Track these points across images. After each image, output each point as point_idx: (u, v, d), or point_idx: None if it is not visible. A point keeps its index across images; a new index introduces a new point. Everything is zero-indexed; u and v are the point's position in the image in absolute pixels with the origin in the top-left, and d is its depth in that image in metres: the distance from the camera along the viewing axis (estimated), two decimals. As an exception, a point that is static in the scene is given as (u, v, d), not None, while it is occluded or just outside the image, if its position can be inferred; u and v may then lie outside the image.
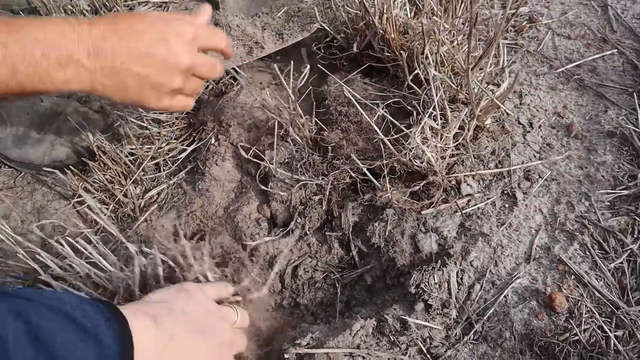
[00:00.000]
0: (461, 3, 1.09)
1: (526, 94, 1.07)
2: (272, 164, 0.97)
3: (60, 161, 1.19)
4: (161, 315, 0.63)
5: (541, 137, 1.01)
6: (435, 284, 0.82)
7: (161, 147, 1.15)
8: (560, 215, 0.91)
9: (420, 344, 0.80)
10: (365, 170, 0.89)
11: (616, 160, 0.97)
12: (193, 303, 0.69)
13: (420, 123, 0.86)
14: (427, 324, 0.80)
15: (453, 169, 0.93)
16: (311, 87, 1.09)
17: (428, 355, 0.80)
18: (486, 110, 0.95)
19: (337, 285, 0.92)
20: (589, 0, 1.26)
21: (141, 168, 1.11)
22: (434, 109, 0.88)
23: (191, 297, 0.70)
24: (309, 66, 1.05)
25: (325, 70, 1.06)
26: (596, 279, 0.84)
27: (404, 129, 0.85)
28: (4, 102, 1.20)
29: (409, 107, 0.95)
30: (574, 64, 1.12)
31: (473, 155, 0.94)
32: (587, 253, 0.87)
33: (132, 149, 1.13)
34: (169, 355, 0.61)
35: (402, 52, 0.96)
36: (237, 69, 1.22)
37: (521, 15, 1.25)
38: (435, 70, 0.91)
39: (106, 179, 1.07)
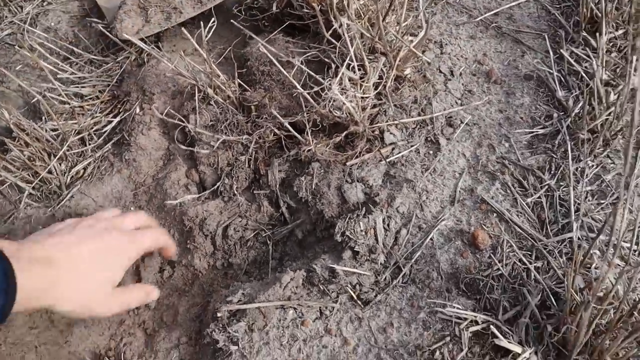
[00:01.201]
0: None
1: (447, 44, 1.09)
2: (196, 126, 0.96)
3: (-22, 143, 1.14)
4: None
5: (462, 84, 1.03)
6: (361, 231, 0.83)
7: (86, 121, 1.12)
8: (482, 157, 0.94)
9: (350, 290, 0.81)
10: (287, 125, 0.89)
11: (533, 102, 1.00)
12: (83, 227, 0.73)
13: (338, 74, 0.86)
14: (355, 270, 0.82)
15: (376, 119, 0.94)
16: (231, 47, 1.08)
17: (358, 301, 0.81)
18: (405, 60, 0.96)
19: (268, 242, 0.92)
20: (505, -50, 1.28)
21: (66, 144, 1.07)
22: (350, 59, 0.88)
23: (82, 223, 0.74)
24: (214, 19, 1.02)
25: (247, 32, 1.05)
26: (517, 216, 0.87)
27: (321, 80, 0.84)
28: None
29: (327, 60, 0.94)
30: (492, 12, 1.14)
31: (394, 104, 0.95)
32: (508, 192, 0.90)
33: (53, 124, 1.09)
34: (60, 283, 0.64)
35: (317, 6, 0.95)
36: (158, 38, 1.19)
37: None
38: (352, 22, 0.91)
39: (27, 157, 1.03)
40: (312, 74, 0.86)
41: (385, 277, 0.83)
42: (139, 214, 0.82)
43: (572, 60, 1.02)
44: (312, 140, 0.88)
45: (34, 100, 1.15)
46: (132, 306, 0.77)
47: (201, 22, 0.97)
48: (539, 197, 0.89)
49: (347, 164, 0.90)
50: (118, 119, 1.13)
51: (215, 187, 0.95)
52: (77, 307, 0.68)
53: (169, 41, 1.22)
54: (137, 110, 1.08)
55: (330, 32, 0.96)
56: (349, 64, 0.88)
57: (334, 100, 0.85)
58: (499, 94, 1.02)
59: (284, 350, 0.78)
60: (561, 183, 0.90)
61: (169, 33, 1.21)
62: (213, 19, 1.02)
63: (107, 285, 0.71)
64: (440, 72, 1.04)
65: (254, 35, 1.05)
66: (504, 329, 0.76)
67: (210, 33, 0.96)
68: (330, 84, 0.83)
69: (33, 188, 1.04)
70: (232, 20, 1.07)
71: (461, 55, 1.07)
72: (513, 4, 1.15)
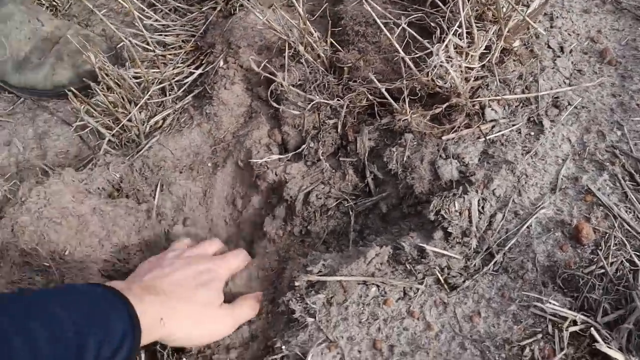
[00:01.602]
0: None
1: (557, 17, 0.99)
2: (285, 83, 0.91)
3: (62, 85, 1.14)
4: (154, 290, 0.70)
5: (572, 62, 0.94)
6: (456, 211, 0.77)
7: (167, 71, 1.09)
8: (590, 144, 0.86)
9: (437, 273, 0.76)
10: (383, 91, 0.83)
11: (653, 88, 0.91)
12: (182, 267, 0.77)
13: (444, 40, 0.80)
14: (445, 252, 0.76)
15: (477, 92, 0.87)
16: (326, 4, 1.02)
17: (445, 285, 0.76)
18: (515, 31, 0.88)
19: (350, 213, 0.88)
20: None
21: (148, 93, 1.05)
22: (459, 25, 0.81)
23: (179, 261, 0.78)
24: None
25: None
26: (626, 211, 0.79)
27: (428, 45, 0.78)
28: (2, 24, 1.14)
29: (432, 25, 0.87)
30: (611, -15, 1.04)
31: (499, 79, 0.87)
32: (617, 184, 0.82)
33: (136, 72, 1.07)
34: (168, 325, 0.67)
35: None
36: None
37: None
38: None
39: (110, 102, 1.02)
40: (418, 36, 0.80)
41: (476, 263, 0.78)
42: (214, 241, 0.88)
43: (702, 45, 0.92)
44: (409, 110, 0.82)
45: (119, 46, 1.13)
46: (243, 319, 0.79)
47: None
48: (653, 194, 0.80)
49: (443, 138, 0.84)
50: (200, 70, 1.10)
51: (300, 150, 0.91)
52: (193, 330, 0.72)
53: (256, -7, 1.17)
54: (221, 63, 1.05)
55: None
56: (457, 31, 0.81)
57: (437, 68, 0.79)
58: (613, 77, 0.93)
59: (363, 328, 0.74)
60: (679, 180, 0.81)
61: (256, -15, 1.17)
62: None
63: (214, 304, 0.76)
64: (549, 47, 0.95)
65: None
66: (604, 332, 0.70)
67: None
68: (437, 50, 0.77)
69: (113, 135, 1.03)
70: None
71: (573, 30, 0.98)
72: (636, -23, 1.04)
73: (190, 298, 0.73)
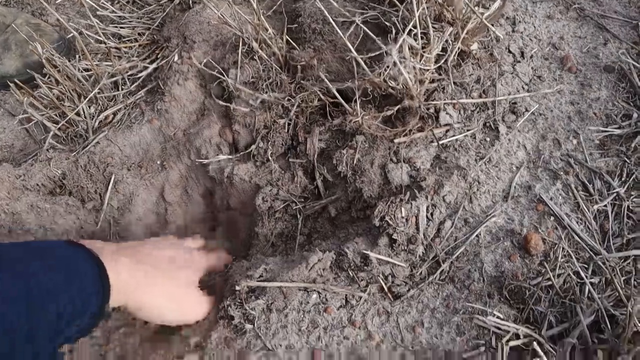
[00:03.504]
0: None
1: (520, 21, 0.98)
2: (235, 81, 0.88)
3: (9, 76, 1.09)
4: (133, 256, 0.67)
5: (532, 68, 0.92)
6: (402, 217, 0.75)
7: (121, 64, 1.05)
8: (545, 152, 0.84)
9: (381, 281, 0.74)
10: (334, 91, 0.81)
11: (611, 97, 0.89)
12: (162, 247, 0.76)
13: (398, 40, 0.77)
14: (390, 259, 0.74)
15: (432, 95, 0.84)
16: (284, 0, 0.99)
17: (389, 294, 0.74)
18: (473, 33, 0.86)
19: (298, 216, 0.85)
20: None
21: (98, 86, 1.01)
22: (414, 25, 0.78)
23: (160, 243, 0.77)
24: None
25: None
26: (577, 222, 0.78)
27: (381, 44, 0.75)
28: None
29: (387, 24, 0.85)
30: (576, -9, 1.02)
31: (455, 82, 0.85)
32: (569, 194, 0.80)
33: (87, 64, 1.03)
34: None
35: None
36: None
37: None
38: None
39: (55, 95, 0.98)
40: (372, 35, 0.77)
41: (422, 272, 0.76)
42: (197, 238, 0.86)
43: (662, 55, 0.90)
44: (360, 111, 0.80)
45: (69, 36, 1.09)
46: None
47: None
48: (605, 206, 0.79)
49: (395, 141, 0.81)
50: (155, 65, 1.06)
51: (249, 150, 0.87)
52: (167, 307, 0.70)
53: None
54: (176, 58, 1.01)
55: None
56: (411, 30, 0.79)
57: (390, 69, 0.76)
58: (572, 84, 0.91)
59: (302, 336, 0.71)
60: (632, 192, 0.80)
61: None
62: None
63: (194, 286, 0.75)
64: (510, 51, 0.93)
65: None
66: (547, 346, 0.67)
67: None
68: (390, 50, 0.74)
69: (59, 129, 0.99)
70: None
71: (535, 35, 0.96)
72: (600, -16, 1.03)
73: (173, 276, 0.72)
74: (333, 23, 0.80)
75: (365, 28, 0.80)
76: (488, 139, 0.85)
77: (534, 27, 0.98)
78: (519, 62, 0.92)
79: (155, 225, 0.99)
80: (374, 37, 0.79)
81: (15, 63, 1.08)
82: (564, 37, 0.97)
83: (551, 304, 0.71)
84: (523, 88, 0.90)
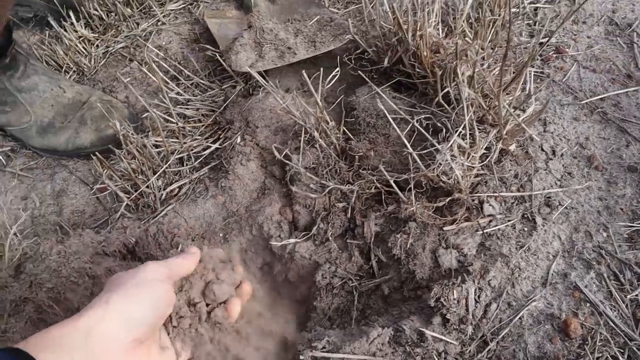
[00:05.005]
0: (490, 27, 1.12)
1: (550, 122, 1.09)
2: (300, 166, 0.99)
3: (84, 148, 1.20)
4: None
5: (563, 165, 1.03)
6: (454, 299, 0.83)
7: (186, 142, 1.17)
8: (578, 243, 0.93)
9: (435, 356, 0.81)
10: (391, 182, 0.91)
11: (635, 195, 0.99)
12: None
13: (449, 140, 0.88)
14: (443, 337, 0.81)
15: (477, 188, 0.95)
16: (342, 96, 1.11)
17: (441, 369, 0.81)
18: (512, 134, 0.97)
19: (354, 292, 0.93)
20: (615, 37, 1.29)
21: (168, 162, 1.11)
22: (464, 127, 0.90)
23: None
24: (338, 68, 1.06)
25: (364, 76, 1.07)
26: (611, 309, 0.86)
27: (436, 144, 0.86)
28: (26, 94, 1.20)
29: (438, 124, 0.96)
30: (598, 97, 1.15)
31: (497, 177, 0.95)
32: (602, 283, 0.89)
33: (157, 141, 1.14)
34: None
35: (435, 69, 0.98)
36: (264, 73, 1.24)
37: (548, 45, 1.27)
38: (471, 91, 0.93)
39: (132, 169, 1.08)
40: (428, 135, 0.88)
41: (471, 350, 0.83)
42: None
43: (679, 159, 1.01)
44: (414, 201, 0.89)
45: (144, 115, 1.20)
46: None
47: (321, 68, 1.01)
48: (636, 295, 0.87)
49: (444, 228, 0.91)
50: (217, 145, 1.17)
51: (311, 232, 0.97)
52: None
53: (273, 77, 1.27)
54: (239, 140, 1.12)
55: (442, 94, 0.98)
56: (461, 132, 0.90)
57: (442, 166, 0.86)
58: (599, 181, 1.02)
59: (363, 406, 0.78)
60: (659, 283, 0.88)
61: (275, 69, 1.26)
62: (337, 69, 1.05)
63: None
64: (542, 150, 1.04)
65: (376, 89, 1.05)
66: None
67: (332, 82, 0.99)
68: (443, 149, 0.85)
69: (130, 200, 1.09)
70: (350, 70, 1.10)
71: (564, 135, 1.08)
72: (621, 91, 1.15)
73: None
74: (391, 120, 0.91)
75: (420, 128, 0.91)
76: (526, 229, 0.94)
77: (563, 127, 1.09)
78: (551, 159, 1.03)
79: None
80: (428, 136, 0.90)
81: (90, 136, 1.19)
82: (589, 138, 1.08)
83: (590, 386, 0.78)
84: (556, 183, 1.00)
